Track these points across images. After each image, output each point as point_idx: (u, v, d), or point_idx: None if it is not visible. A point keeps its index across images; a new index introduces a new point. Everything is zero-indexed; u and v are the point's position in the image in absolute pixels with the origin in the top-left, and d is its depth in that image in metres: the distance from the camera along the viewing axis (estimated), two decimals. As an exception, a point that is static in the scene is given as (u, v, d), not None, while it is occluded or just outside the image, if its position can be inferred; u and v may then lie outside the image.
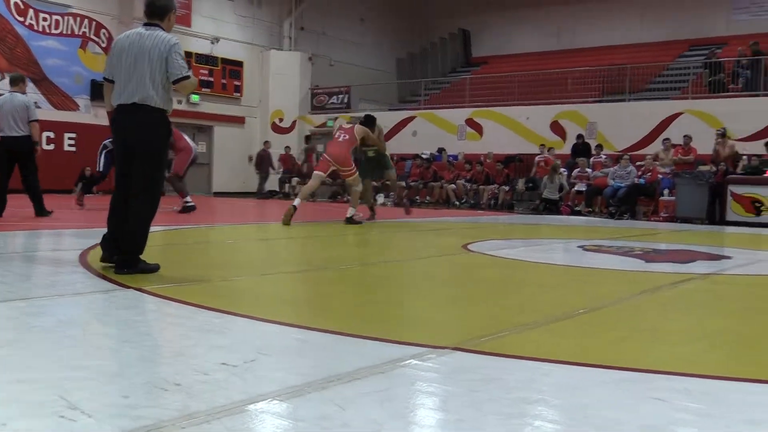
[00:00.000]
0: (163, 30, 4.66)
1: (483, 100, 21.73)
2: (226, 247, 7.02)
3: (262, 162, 21.70)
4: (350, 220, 10.34)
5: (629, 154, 16.53)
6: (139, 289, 3.97)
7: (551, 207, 16.44)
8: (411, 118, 22.49)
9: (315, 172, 11.08)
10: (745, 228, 12.99)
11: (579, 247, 7.80)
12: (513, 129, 20.16)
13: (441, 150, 20.89)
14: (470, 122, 21.30)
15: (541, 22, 26.07)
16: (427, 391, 2.30)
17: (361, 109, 24.09)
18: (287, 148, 22.51)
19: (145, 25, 4.70)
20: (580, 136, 18.25)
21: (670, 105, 18.32)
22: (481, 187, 18.24)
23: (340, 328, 3.11)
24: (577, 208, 16.24)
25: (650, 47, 23.11)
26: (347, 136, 10.88)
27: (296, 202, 10.28)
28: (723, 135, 15.37)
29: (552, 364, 2.64)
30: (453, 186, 18.63)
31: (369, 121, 11.51)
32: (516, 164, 18.91)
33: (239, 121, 23.59)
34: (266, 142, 22.11)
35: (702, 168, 14.91)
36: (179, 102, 22.00)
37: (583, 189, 16.37)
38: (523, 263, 6.27)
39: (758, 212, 13.65)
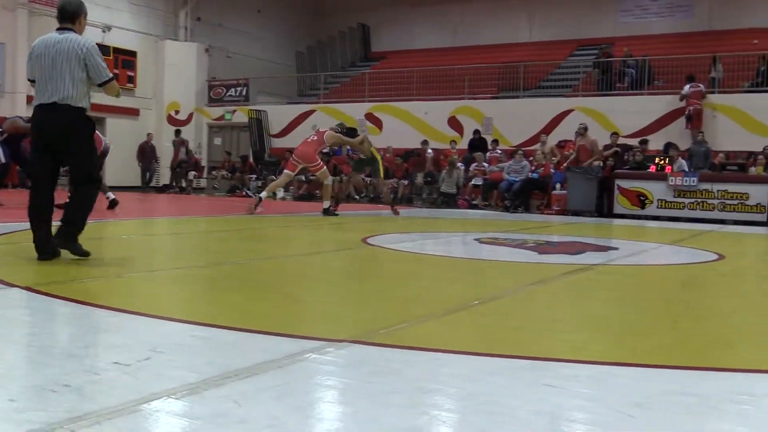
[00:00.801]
0: (76, 33, 4.86)
1: (382, 95, 21.88)
2: (121, 243, 6.80)
3: (144, 154, 21.11)
4: (327, 212, 11.23)
5: (523, 149, 17.04)
6: (30, 288, 3.79)
7: (449, 201, 16.75)
8: (310, 112, 22.40)
9: (285, 171, 12.10)
10: (631, 220, 13.63)
11: (475, 240, 7.98)
12: (412, 124, 20.40)
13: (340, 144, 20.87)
14: (370, 116, 21.40)
15: (438, 19, 26.44)
16: (326, 384, 2.30)
17: (260, 102, 23.83)
18: (186, 141, 22.00)
19: (58, 29, 4.88)
20: (476, 132, 18.66)
21: (561, 102, 18.98)
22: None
23: (237, 324, 3.07)
24: (474, 202, 16.61)
25: (543, 46, 23.87)
26: (316, 137, 11.49)
27: (263, 194, 11.68)
28: (585, 129, 16.13)
29: (448, 354, 2.69)
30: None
31: (350, 132, 12.75)
32: (415, 158, 19.14)
33: (133, 113, 22.85)
34: (149, 134, 21.50)
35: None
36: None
37: (480, 183, 16.76)
38: (421, 256, 6.36)
39: (643, 205, 14.35)
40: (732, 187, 13.67)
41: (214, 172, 22.02)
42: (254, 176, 20.80)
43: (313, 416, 2.00)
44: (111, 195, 11.23)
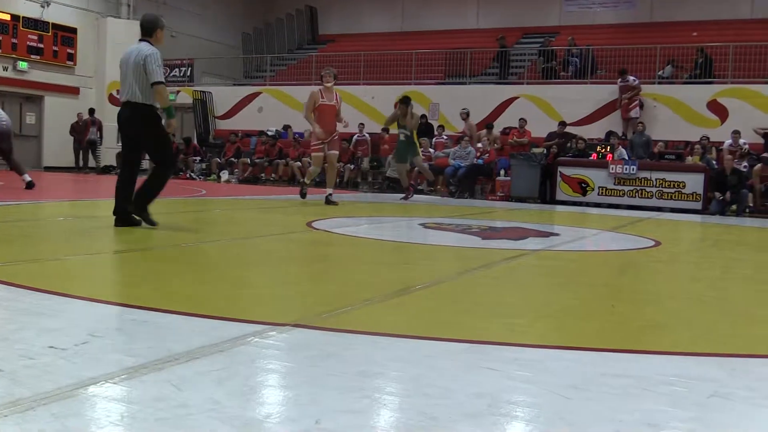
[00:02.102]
0: (150, 44, 6.01)
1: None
2: (56, 225, 6.63)
3: (76, 134, 20.61)
4: (328, 200, 10.66)
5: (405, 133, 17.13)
6: (-44, 270, 3.67)
7: (395, 185, 16.79)
8: (256, 94, 22.16)
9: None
10: (572, 207, 13.89)
11: (420, 224, 8.02)
12: (359, 108, 20.35)
13: (287, 127, 20.76)
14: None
15: (386, 4, 26.39)
16: (267, 368, 2.29)
17: (204, 83, 23.47)
18: (98, 121, 21.51)
19: (140, 40, 6.08)
20: (423, 117, 18.70)
21: (507, 89, 19.18)
22: (326, 165, 18.26)
23: (178, 308, 3.03)
24: (420, 187, 16.68)
25: (489, 33, 24.02)
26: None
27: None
28: (467, 115, 16.53)
29: (391, 338, 2.71)
30: (299, 164, 18.56)
31: (404, 102, 12.86)
32: (362, 142, 19.10)
33: (73, 91, 22.26)
34: (79, 114, 20.96)
35: (535, 150, 15.76)
36: (4, 69, 20.46)
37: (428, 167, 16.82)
38: (366, 240, 6.37)
39: (584, 192, 14.63)
40: (669, 176, 14.04)
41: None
42: (198, 158, 20.51)
43: (253, 400, 1.99)
44: (27, 177, 10.94)
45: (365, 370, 2.27)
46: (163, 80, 5.98)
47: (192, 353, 2.34)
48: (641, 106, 17.36)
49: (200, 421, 1.77)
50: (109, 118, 21.46)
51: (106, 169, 20.85)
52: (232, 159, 19.67)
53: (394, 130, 14.49)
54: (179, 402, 1.89)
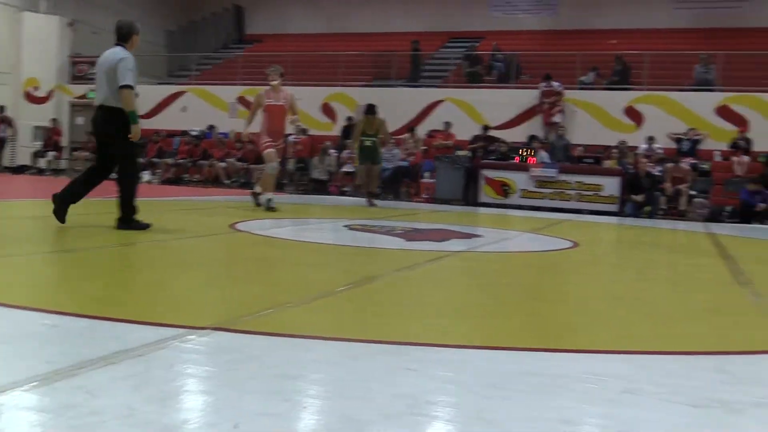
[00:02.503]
0: (125, 49, 6.16)
1: (256, 79, 21.50)
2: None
3: None
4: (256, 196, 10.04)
5: (395, 138, 17.27)
6: None
7: (320, 187, 16.75)
8: (180, 93, 21.76)
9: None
10: (495, 209, 14.14)
11: (345, 226, 8.02)
12: (286, 109, 20.17)
13: (211, 127, 20.46)
14: (242, 100, 21.02)
15: (314, 5, 26.29)
16: (186, 372, 2.26)
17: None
18: (54, 120, 20.84)
19: (115, 44, 6.22)
20: (349, 118, 18.73)
21: (433, 93, 19.37)
22: (251, 165, 18.10)
23: (92, 312, 2.95)
24: (345, 189, 16.69)
25: (416, 37, 24.20)
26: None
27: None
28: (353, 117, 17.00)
29: (312, 339, 2.71)
30: (223, 164, 18.32)
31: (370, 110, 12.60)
32: (286, 144, 18.96)
33: (-15, 87, 21.37)
34: None
35: (459, 153, 15.97)
36: None
37: (352, 170, 16.84)
38: (291, 242, 6.33)
39: (507, 195, 14.91)
40: (588, 179, 14.45)
41: (75, 153, 20.96)
42: (119, 158, 19.98)
43: (170, 406, 1.95)
44: None
45: (286, 373, 2.26)
46: (131, 84, 6.01)
47: (107, 358, 2.28)
48: (562, 111, 17.81)
49: (113, 428, 1.73)
50: (26, 116, 20.78)
51: (21, 169, 20.11)
52: (154, 159, 19.25)
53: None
54: (92, 409, 1.84)
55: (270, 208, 9.39)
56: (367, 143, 12.61)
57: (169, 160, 19.02)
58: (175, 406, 1.96)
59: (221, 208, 10.46)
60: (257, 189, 10.01)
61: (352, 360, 2.47)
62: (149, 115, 22.02)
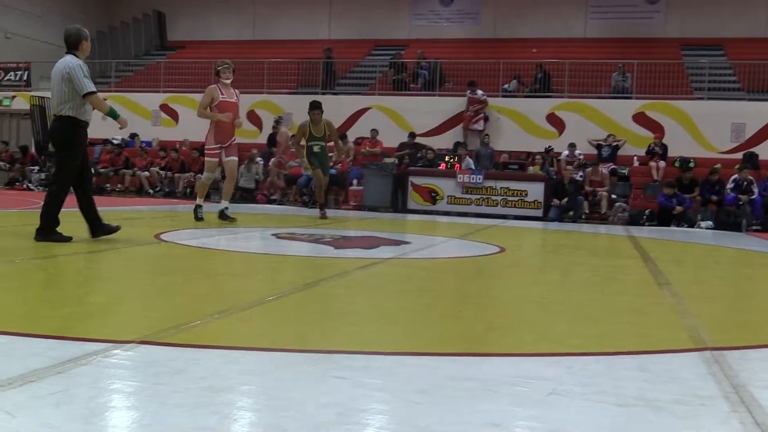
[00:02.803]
0: (76, 56, 6.15)
1: (179, 86, 21.17)
2: None
3: None
4: (223, 215, 9.43)
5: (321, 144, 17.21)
6: None
7: (247, 196, 16.57)
8: (100, 101, 21.18)
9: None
10: (423, 215, 14.25)
11: (273, 235, 7.96)
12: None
13: (133, 135, 20.01)
14: (165, 108, 20.67)
15: (238, 11, 26.06)
16: (111, 388, 2.19)
17: (43, 87, 22.17)
18: None
19: (66, 53, 6.18)
20: (276, 123, 18.61)
21: (359, 100, 19.42)
22: (176, 174, 17.78)
23: (12, 328, 2.84)
24: (273, 197, 16.56)
25: (341, 44, 24.26)
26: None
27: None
28: (278, 122, 16.96)
29: (239, 351, 2.67)
30: (146, 173, 17.93)
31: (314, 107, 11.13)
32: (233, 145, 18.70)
33: None
34: None
35: (386, 160, 16.05)
36: None
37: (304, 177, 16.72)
38: (217, 252, 6.24)
39: (434, 201, 15.06)
40: (513, 185, 14.73)
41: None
42: (36, 168, 19.33)
43: (94, 423, 1.89)
44: None
45: (213, 385, 2.22)
46: (94, 89, 6.09)
47: (27, 376, 2.20)
48: (486, 119, 18.11)
49: (33, 448, 1.66)
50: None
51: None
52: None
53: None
54: (11, 429, 1.77)
55: (197, 217, 9.17)
56: (316, 149, 11.05)
57: (90, 170, 18.49)
58: (100, 423, 1.91)
59: (145, 218, 10.23)
60: (200, 201, 9.48)
61: (280, 370, 2.45)
62: (68, 123, 21.37)
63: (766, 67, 18.26)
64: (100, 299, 3.83)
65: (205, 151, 9.34)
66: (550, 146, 16.73)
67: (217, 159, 9.24)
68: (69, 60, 6.10)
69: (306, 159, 11.15)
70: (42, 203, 6.16)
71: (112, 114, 6.28)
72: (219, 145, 9.17)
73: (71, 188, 6.33)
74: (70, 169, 6.25)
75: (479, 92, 18.14)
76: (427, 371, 2.55)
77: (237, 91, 9.39)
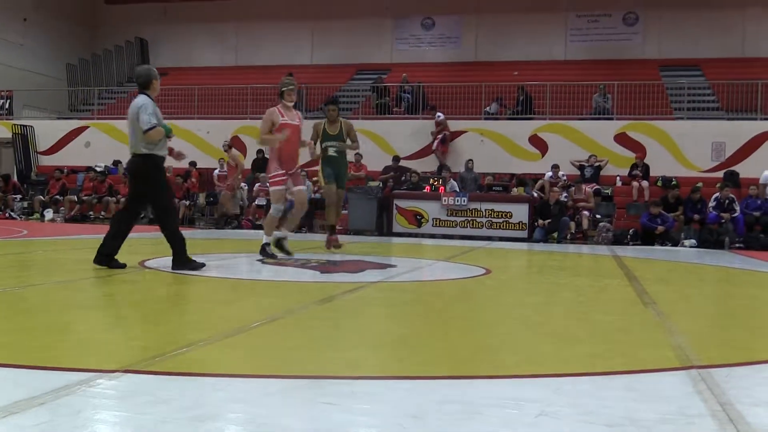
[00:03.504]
0: (147, 96, 6.43)
1: (162, 112, 21.05)
2: None
3: None
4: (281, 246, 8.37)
5: (306, 170, 17.24)
6: None
7: (230, 220, 16.52)
8: (83, 128, 21.17)
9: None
10: (408, 238, 14.26)
11: (258, 260, 7.92)
12: (193, 142, 19.93)
13: (117, 162, 19.95)
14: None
15: (220, 38, 26.15)
16: (94, 419, 2.16)
17: (25, 116, 22.13)
18: None
19: (138, 93, 6.49)
20: (260, 151, 18.60)
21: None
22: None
23: (-8, 359, 2.80)
24: (258, 222, 16.50)
25: (324, 69, 24.40)
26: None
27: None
28: (229, 147, 17.02)
29: (225, 378, 2.65)
30: (130, 200, 17.81)
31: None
32: (203, 178, 18.65)
33: None
34: None
35: (371, 184, 16.08)
36: None
37: (264, 203, 16.69)
38: (201, 278, 6.20)
39: (419, 224, 15.07)
40: (498, 207, 14.77)
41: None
42: (19, 197, 19.19)
43: (77, 454, 1.87)
44: None
45: (200, 414, 2.20)
46: (152, 126, 6.25)
47: (8, 408, 2.17)
48: (444, 140, 18.23)
49: (16, 482, 1.63)
50: None
51: None
52: (57, 197, 18.57)
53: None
54: (-8, 463, 1.74)
55: (265, 253, 8.05)
56: (332, 152, 9.32)
57: (73, 198, 18.38)
58: (83, 455, 1.88)
59: (130, 245, 10.14)
60: (281, 233, 8.40)
61: (267, 397, 2.43)
62: (51, 150, 21.32)
63: (744, 86, 18.52)
64: (83, 328, 3.79)
65: (270, 181, 8.37)
66: (539, 175, 16.87)
67: (284, 188, 8.18)
68: (139, 100, 6.39)
69: (321, 170, 9.45)
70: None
71: (167, 131, 6.53)
72: (284, 172, 8.14)
73: (122, 214, 6.80)
74: (166, 200, 6.62)
75: (439, 114, 18.37)
76: (415, 395, 2.53)
77: (299, 112, 8.47)
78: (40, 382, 2.49)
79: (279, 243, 8.31)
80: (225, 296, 5.28)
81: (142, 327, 3.86)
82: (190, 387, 2.53)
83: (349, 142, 9.46)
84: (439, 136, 18.21)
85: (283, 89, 8.22)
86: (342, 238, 12.87)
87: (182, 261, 6.46)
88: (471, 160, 17.27)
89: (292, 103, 8.25)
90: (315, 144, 9.18)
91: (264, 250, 8.09)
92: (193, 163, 18.29)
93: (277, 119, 8.07)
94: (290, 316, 4.23)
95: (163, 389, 2.48)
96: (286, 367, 2.90)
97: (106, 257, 6.44)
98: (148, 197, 6.66)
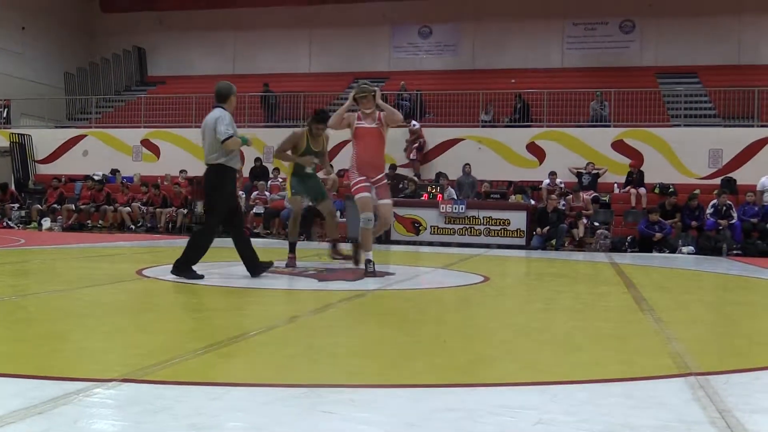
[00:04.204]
0: (223, 109, 6.63)
1: (160, 121, 21.20)
2: None
3: None
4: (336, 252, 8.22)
5: (282, 178, 17.26)
6: None
7: (228, 231, 16.50)
8: (81, 137, 21.17)
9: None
10: (407, 246, 14.25)
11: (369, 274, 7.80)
12: (191, 151, 19.95)
13: (115, 171, 19.97)
14: (146, 143, 20.66)
15: (218, 46, 26.18)
16: (92, 428, 2.16)
17: (23, 125, 22.12)
18: None
19: (214, 107, 6.70)
20: (258, 159, 18.63)
21: (340, 132, 19.36)
22: (158, 210, 17.70)
23: (-10, 369, 2.80)
24: (256, 230, 16.50)
25: (321, 77, 24.43)
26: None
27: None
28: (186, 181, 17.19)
29: (224, 387, 2.64)
30: (128, 209, 17.82)
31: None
32: (195, 187, 18.63)
33: None
34: None
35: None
36: None
37: (261, 211, 16.71)
38: (199, 287, 6.19)
39: (418, 232, 15.06)
40: (495, 214, 14.78)
41: None
42: (17, 205, 19.16)
43: (75, 464, 1.86)
44: None
45: (197, 423, 2.19)
46: (230, 134, 6.45)
47: (5, 418, 2.17)
48: (420, 149, 18.32)
49: (13, 492, 1.63)
50: None
51: None
52: (55, 205, 18.54)
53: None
54: (-11, 473, 1.73)
55: (369, 273, 7.20)
56: (309, 170, 8.45)
57: (71, 206, 18.36)
58: (81, 464, 1.88)
59: (127, 254, 10.16)
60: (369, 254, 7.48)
61: (266, 406, 2.42)
62: (49, 159, 21.31)
63: (741, 93, 18.56)
64: (81, 337, 3.78)
65: (352, 189, 7.65)
66: (537, 182, 16.91)
67: (369, 194, 7.42)
68: (217, 112, 6.59)
69: (289, 181, 8.58)
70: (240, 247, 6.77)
71: (244, 141, 6.72)
72: (365, 178, 7.45)
73: (228, 231, 7.02)
74: (218, 213, 6.73)
75: (413, 123, 18.43)
76: (414, 403, 2.53)
77: (382, 113, 7.57)
78: (37, 392, 2.48)
79: (368, 264, 7.37)
80: (222, 305, 5.28)
81: (139, 336, 3.86)
82: (188, 396, 2.52)
83: (327, 156, 8.84)
84: (415, 145, 18.31)
85: (356, 96, 7.63)
86: (341, 246, 12.83)
87: (257, 265, 6.81)
88: (468, 164, 17.25)
89: (370, 111, 7.51)
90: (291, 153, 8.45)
91: (368, 268, 7.28)
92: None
93: (353, 122, 7.61)
94: (288, 324, 4.23)
95: (161, 398, 2.47)
96: (284, 376, 2.89)
97: (254, 268, 6.80)
98: (208, 203, 6.88)
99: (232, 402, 2.47)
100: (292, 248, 8.33)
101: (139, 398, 2.47)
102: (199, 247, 6.62)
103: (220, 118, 6.53)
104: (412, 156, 18.30)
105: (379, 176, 7.52)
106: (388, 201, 7.57)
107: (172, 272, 6.42)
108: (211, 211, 6.87)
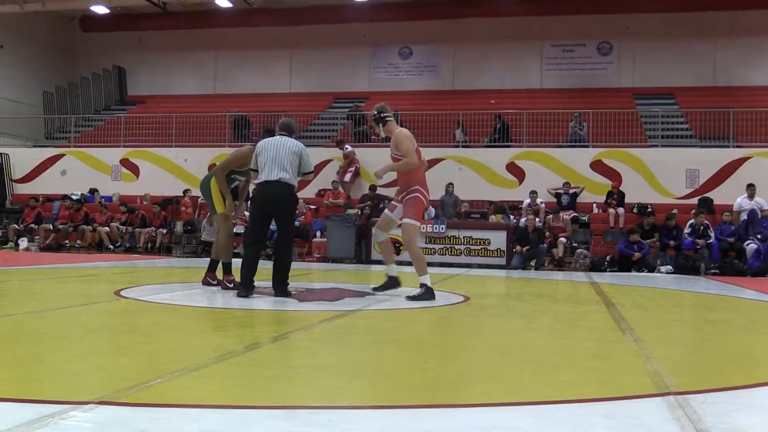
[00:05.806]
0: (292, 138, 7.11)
1: (139, 140, 21.12)
2: None
3: None
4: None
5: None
6: None
7: (210, 249, 16.39)
8: (59, 156, 21.04)
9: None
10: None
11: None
12: (171, 171, 19.89)
13: (93, 191, 19.83)
14: (126, 162, 20.55)
15: (199, 66, 26.19)
16: (66, 452, 2.12)
17: (1, 144, 21.93)
18: None
19: (280, 134, 7.12)
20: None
21: (321, 152, 19.51)
22: (137, 230, 17.58)
23: (-38, 392, 2.75)
24: (237, 251, 16.39)
25: (302, 97, 24.48)
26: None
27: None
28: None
29: (200, 408, 2.61)
30: (106, 229, 17.69)
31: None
32: (174, 206, 18.56)
33: None
34: None
35: (349, 211, 16.08)
36: None
37: (242, 231, 16.60)
38: (179, 308, 6.14)
39: (398, 251, 15.02)
40: (476, 234, 14.82)
41: None
42: (-6, 225, 18.96)
43: (48, 489, 1.83)
44: None
45: (174, 446, 2.16)
46: (313, 170, 7.30)
47: (-23, 442, 2.13)
48: (357, 173, 18.53)
49: None
50: None
51: None
52: (33, 225, 18.36)
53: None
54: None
55: (427, 294, 7.23)
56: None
57: (49, 226, 18.18)
58: (54, 489, 1.84)
59: (105, 274, 10.06)
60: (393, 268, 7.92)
61: (243, 428, 2.40)
62: (26, 179, 21.14)
63: (716, 114, 18.82)
64: (56, 359, 3.73)
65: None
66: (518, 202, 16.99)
67: (388, 212, 7.94)
68: (298, 143, 7.09)
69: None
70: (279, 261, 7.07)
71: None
72: (397, 198, 7.85)
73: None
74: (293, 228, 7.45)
75: (347, 147, 18.56)
76: (392, 424, 2.52)
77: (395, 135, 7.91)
78: (12, 414, 2.44)
79: (392, 281, 7.74)
80: (200, 326, 5.23)
81: (117, 357, 3.81)
82: (165, 418, 2.49)
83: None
84: (351, 169, 18.43)
85: (388, 119, 8.07)
86: (320, 266, 12.81)
87: (283, 285, 7.00)
88: (451, 183, 17.30)
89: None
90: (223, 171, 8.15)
91: (424, 293, 7.20)
92: (186, 191, 18.46)
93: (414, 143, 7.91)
94: (266, 346, 4.20)
95: (137, 421, 2.44)
96: (261, 397, 2.87)
97: (278, 284, 7.02)
98: (287, 221, 7.17)
99: (210, 424, 2.44)
100: (227, 269, 8.07)
101: (116, 421, 2.44)
102: (290, 264, 7.14)
103: (305, 150, 7.09)
104: (346, 178, 18.44)
105: (402, 195, 7.76)
106: (404, 220, 7.63)
107: (279, 294, 6.85)
108: (291, 227, 7.26)
